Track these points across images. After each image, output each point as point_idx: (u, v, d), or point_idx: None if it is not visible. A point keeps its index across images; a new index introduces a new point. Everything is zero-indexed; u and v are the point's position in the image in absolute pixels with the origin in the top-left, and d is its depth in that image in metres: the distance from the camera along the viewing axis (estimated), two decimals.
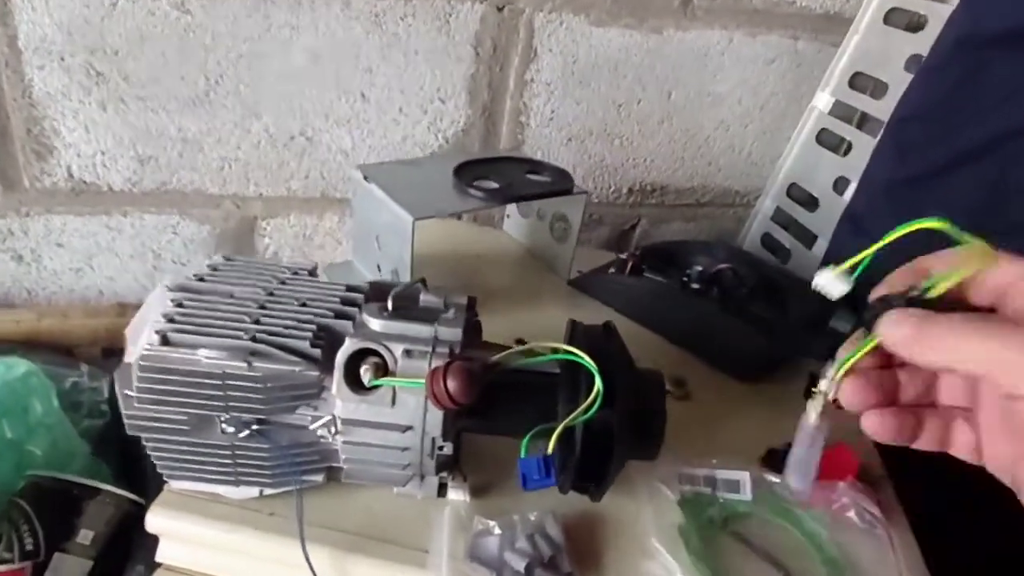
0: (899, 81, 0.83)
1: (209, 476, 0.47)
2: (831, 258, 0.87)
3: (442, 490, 0.49)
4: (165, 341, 0.42)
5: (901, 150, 0.78)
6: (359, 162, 0.91)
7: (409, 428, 0.45)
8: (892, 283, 0.34)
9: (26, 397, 0.74)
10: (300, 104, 0.85)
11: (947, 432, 0.35)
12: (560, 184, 0.74)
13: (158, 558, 0.49)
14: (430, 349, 0.45)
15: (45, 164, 0.81)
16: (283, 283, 0.49)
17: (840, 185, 0.93)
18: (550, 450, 0.41)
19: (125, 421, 0.44)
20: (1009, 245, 0.73)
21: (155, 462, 0.46)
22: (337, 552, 0.46)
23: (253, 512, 0.48)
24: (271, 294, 0.47)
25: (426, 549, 0.47)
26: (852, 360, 0.34)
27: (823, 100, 0.97)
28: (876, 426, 0.34)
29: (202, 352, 0.42)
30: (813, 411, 0.37)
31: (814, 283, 0.34)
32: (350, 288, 0.50)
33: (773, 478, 0.55)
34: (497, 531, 0.48)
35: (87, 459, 0.75)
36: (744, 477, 0.54)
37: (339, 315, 0.47)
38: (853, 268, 0.34)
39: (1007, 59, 0.67)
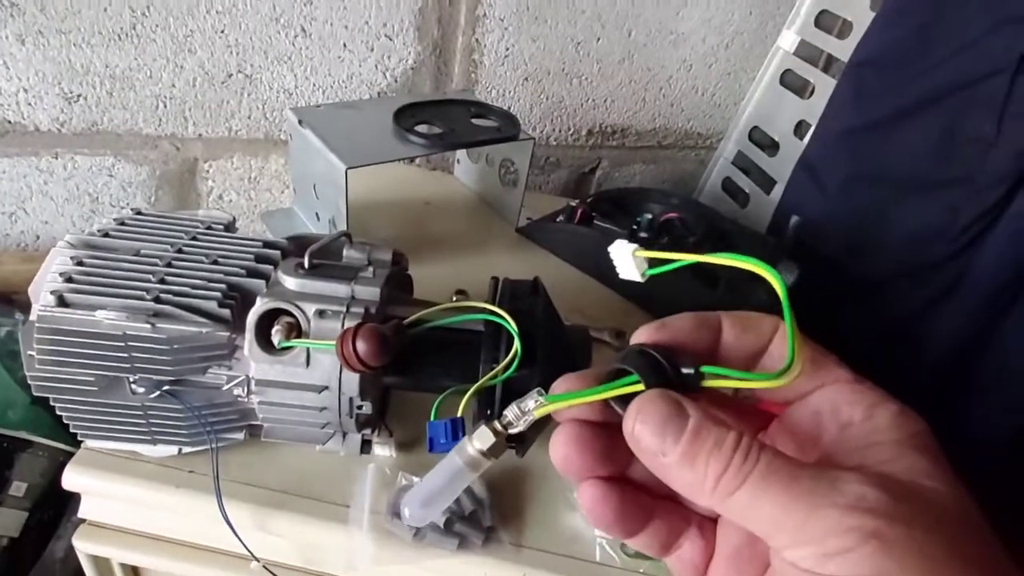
0: (864, 20, 0.79)
1: (124, 435, 0.46)
2: (786, 206, 0.86)
3: (366, 447, 0.49)
4: (62, 302, 0.41)
5: (858, 96, 0.76)
6: (304, 102, 0.87)
7: (325, 388, 0.44)
8: (673, 332, 0.26)
9: None
10: (236, 39, 0.80)
11: (674, 536, 0.27)
12: (506, 130, 0.72)
13: (80, 514, 0.49)
14: (344, 309, 0.43)
15: None
16: (195, 239, 0.47)
17: (801, 129, 0.91)
18: (459, 412, 0.40)
19: (31, 382, 0.43)
20: (952, 198, 0.73)
21: (66, 422, 0.45)
22: (258, 508, 0.46)
23: (173, 470, 0.47)
24: (180, 251, 0.45)
25: (349, 504, 0.47)
26: (567, 401, 0.26)
27: (788, 40, 0.94)
28: (594, 502, 0.26)
29: (101, 313, 0.40)
30: (472, 445, 0.29)
31: (609, 248, 0.28)
32: (267, 244, 0.48)
33: None
34: None
35: (27, 409, 0.74)
36: None
37: (252, 273, 0.45)
38: (653, 263, 0.27)
39: (963, 8, 0.65)
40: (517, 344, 0.43)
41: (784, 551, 0.21)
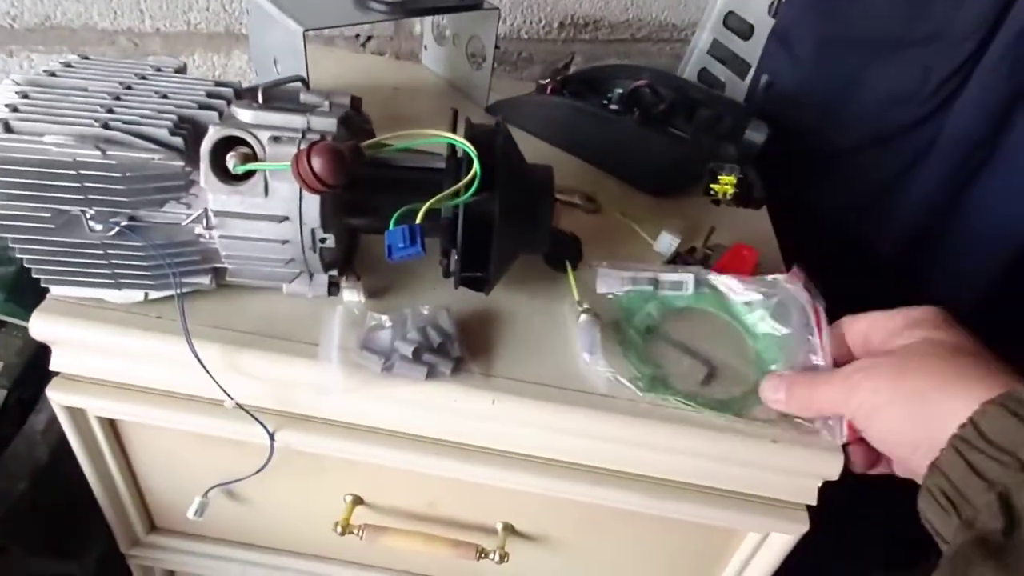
0: None
1: (86, 279, 0.46)
2: (759, 76, 0.85)
3: (333, 289, 0.49)
4: (7, 128, 0.40)
5: None
6: None
7: (285, 219, 0.44)
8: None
9: None
10: None
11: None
12: None
13: (52, 367, 0.49)
14: (300, 136, 0.43)
15: None
16: (144, 79, 0.46)
17: (776, 7, 0.90)
18: (418, 219, 0.40)
19: None
20: (924, 56, 0.72)
21: (27, 266, 0.45)
22: (227, 348, 0.46)
23: (139, 316, 0.47)
24: (129, 88, 0.44)
25: (318, 343, 0.47)
26: None
27: None
28: (861, 458, 0.45)
29: (49, 140, 0.40)
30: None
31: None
32: (220, 83, 0.47)
33: (711, 276, 0.54)
34: (388, 324, 0.48)
35: (1, 306, 0.74)
36: (688, 278, 0.53)
37: (204, 107, 0.44)
38: None
39: None
40: (476, 165, 0.43)
41: (848, 416, 0.43)
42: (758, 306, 0.52)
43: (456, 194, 0.44)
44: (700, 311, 0.54)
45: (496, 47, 0.73)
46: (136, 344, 0.47)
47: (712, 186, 0.57)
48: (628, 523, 0.53)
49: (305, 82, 0.50)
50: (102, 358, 0.48)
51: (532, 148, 0.74)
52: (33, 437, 0.59)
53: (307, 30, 0.60)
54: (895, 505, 0.87)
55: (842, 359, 0.45)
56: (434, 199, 0.41)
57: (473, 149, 0.43)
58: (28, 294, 0.76)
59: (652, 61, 1.08)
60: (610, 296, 0.53)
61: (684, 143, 0.68)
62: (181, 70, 0.48)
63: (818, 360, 0.47)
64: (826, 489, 0.48)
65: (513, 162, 0.47)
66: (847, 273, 0.80)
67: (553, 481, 0.49)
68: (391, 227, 0.40)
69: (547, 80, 0.78)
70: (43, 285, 0.46)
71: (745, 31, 0.96)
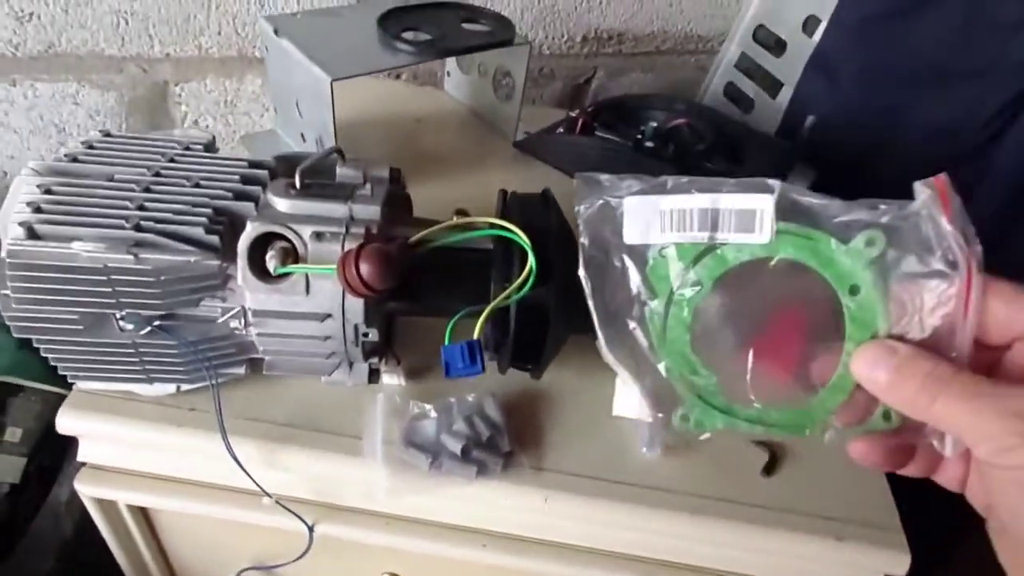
0: None
1: (116, 375, 0.43)
2: (797, 107, 0.82)
3: (374, 376, 0.47)
4: (32, 234, 0.37)
5: None
6: (277, 10, 0.80)
7: (328, 316, 0.41)
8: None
9: None
10: None
11: (936, 462, 0.31)
12: (500, 33, 0.66)
13: (80, 458, 0.47)
14: (343, 230, 0.40)
15: None
16: (172, 161, 0.43)
17: (810, 25, 0.86)
18: (476, 334, 0.38)
19: (9, 324, 0.40)
20: (975, 89, 0.69)
21: (53, 364, 0.42)
22: (264, 443, 0.44)
23: (172, 408, 0.45)
24: (158, 174, 0.41)
25: (360, 436, 0.45)
26: None
27: None
28: (863, 452, 0.31)
29: (77, 245, 0.37)
30: None
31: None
32: (252, 164, 0.44)
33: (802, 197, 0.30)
34: (433, 414, 0.46)
35: (14, 353, 0.71)
36: (766, 204, 0.30)
37: (239, 196, 0.41)
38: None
39: None
40: (532, 259, 0.41)
41: (973, 448, 0.27)
42: (869, 235, 0.29)
43: (512, 290, 0.41)
44: (778, 264, 0.30)
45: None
46: (170, 439, 0.44)
47: None
48: None
49: (342, 154, 0.47)
50: (133, 451, 0.46)
51: (566, 188, 0.71)
52: (58, 509, 0.57)
53: (336, 79, 0.56)
54: (918, 506, 0.86)
55: None
56: (491, 307, 0.39)
57: (530, 244, 0.41)
58: None
59: (677, 74, 1.05)
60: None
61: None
62: (210, 147, 0.45)
63: (957, 334, 0.28)
64: None
65: (567, 248, 0.44)
66: None
67: (606, 574, 0.47)
68: (447, 342, 0.37)
69: (576, 112, 0.74)
70: (69, 381, 0.44)
71: (776, 46, 0.92)
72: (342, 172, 0.45)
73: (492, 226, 0.42)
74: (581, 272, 0.34)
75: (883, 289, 0.30)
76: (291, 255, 0.40)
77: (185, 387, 0.45)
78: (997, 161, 0.71)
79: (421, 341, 0.50)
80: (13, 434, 0.58)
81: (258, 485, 0.44)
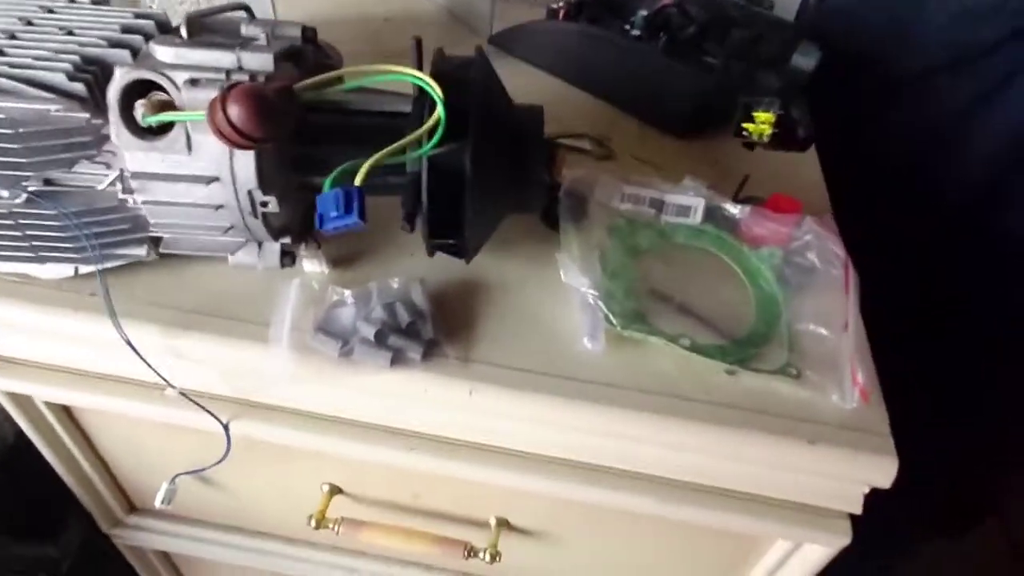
0: None
1: (3, 253, 0.40)
2: None
3: (287, 259, 0.42)
4: None
5: None
6: None
7: (215, 180, 0.37)
8: None
9: None
10: None
11: None
12: None
13: None
14: (223, 78, 0.35)
15: None
16: (51, 12, 0.39)
17: None
18: (357, 181, 0.32)
19: None
20: None
21: None
22: (167, 330, 0.40)
23: (70, 293, 0.41)
24: (29, 23, 0.37)
25: (268, 323, 0.41)
26: None
27: None
28: None
29: None
30: None
31: None
32: (140, 15, 0.39)
33: (730, 208, 0.47)
34: (351, 300, 0.41)
35: None
36: (698, 203, 0.47)
37: (115, 44, 0.37)
38: None
39: None
40: (440, 108, 0.35)
41: None
42: (771, 250, 0.46)
43: (418, 144, 0.36)
44: (701, 249, 0.47)
45: None
46: (66, 325, 0.41)
47: (745, 125, 0.47)
48: (637, 524, 0.46)
49: (248, 10, 0.42)
50: (35, 340, 0.43)
51: (540, 84, 0.65)
52: None
53: None
54: (952, 469, 0.78)
55: None
56: (384, 152, 0.33)
57: (437, 87, 0.35)
58: None
59: None
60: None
61: (713, 72, 0.57)
62: (100, 0, 0.41)
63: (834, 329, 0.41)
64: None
65: (492, 103, 0.39)
66: (913, 217, 0.70)
67: (546, 480, 0.42)
68: (325, 189, 0.32)
69: (560, 3, 0.67)
70: None
71: None
72: (247, 30, 0.40)
73: (397, 73, 0.36)
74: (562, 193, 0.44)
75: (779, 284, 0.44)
76: (168, 107, 0.35)
77: (83, 269, 0.41)
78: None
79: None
80: None
81: (157, 373, 0.40)
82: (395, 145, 0.34)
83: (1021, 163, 0.65)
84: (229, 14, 0.41)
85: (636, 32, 0.63)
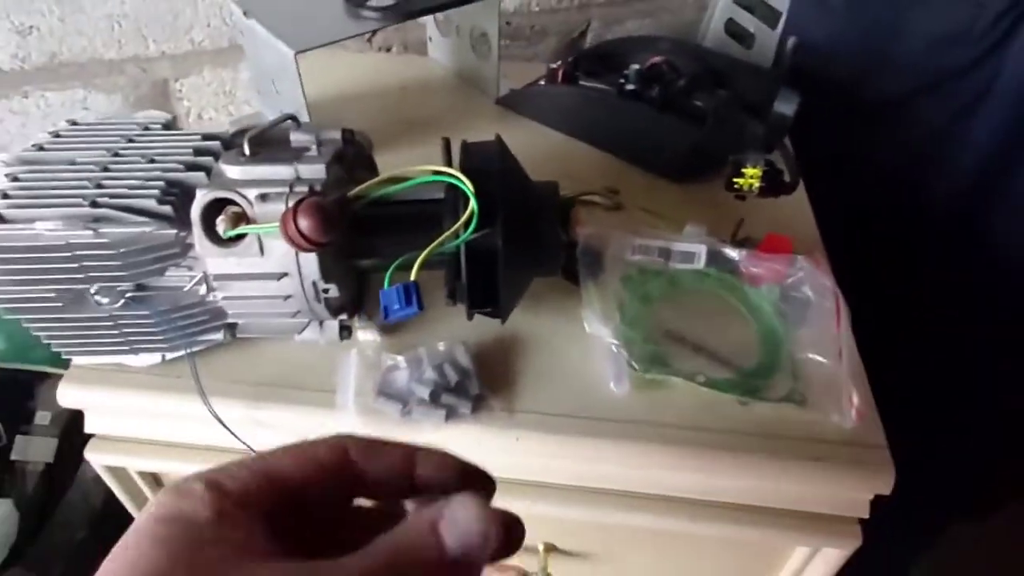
0: None
1: (103, 348, 0.46)
2: (789, 31, 0.78)
3: (344, 333, 0.48)
4: (0, 219, 0.40)
5: None
6: None
7: (284, 275, 0.43)
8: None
9: None
10: None
11: None
12: None
13: (87, 429, 0.50)
14: (287, 190, 0.41)
15: None
16: (131, 141, 0.45)
17: None
18: (412, 276, 0.38)
19: None
20: None
21: (45, 341, 0.45)
22: (246, 403, 0.46)
23: (159, 377, 0.47)
24: (116, 155, 0.44)
25: (334, 390, 0.47)
26: None
27: None
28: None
29: (40, 225, 0.39)
30: None
31: None
32: (206, 137, 0.45)
33: (730, 251, 0.53)
34: (404, 365, 0.47)
35: (46, 347, 0.76)
36: (701, 249, 0.53)
37: (192, 167, 0.43)
38: None
39: None
40: (473, 201, 0.41)
41: None
42: (769, 287, 0.51)
43: (456, 235, 0.41)
44: (707, 291, 0.53)
45: (507, 23, 0.69)
46: (160, 405, 0.47)
47: (736, 180, 0.53)
48: (672, 541, 0.52)
49: (296, 120, 0.48)
50: (131, 419, 0.49)
51: (548, 140, 0.71)
52: (87, 485, 0.61)
53: (298, 52, 0.57)
54: (976, 451, 0.82)
55: None
56: (429, 249, 0.39)
57: (469, 185, 0.41)
58: None
59: (676, 17, 1.01)
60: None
61: (703, 125, 0.63)
62: (170, 125, 0.47)
63: (830, 356, 0.46)
64: (903, 434, 0.46)
65: (514, 189, 0.45)
66: (896, 233, 0.75)
67: (587, 509, 0.48)
68: (385, 286, 0.38)
69: (558, 63, 0.73)
70: (63, 357, 0.47)
71: None
72: (295, 138, 0.46)
73: (430, 173, 0.42)
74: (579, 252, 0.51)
75: (779, 319, 0.50)
76: (242, 219, 0.41)
77: (169, 356, 0.47)
78: (1006, 67, 0.66)
79: None
80: (43, 417, 0.63)
81: (243, 442, 0.46)
82: (440, 239, 0.40)
83: (998, 172, 0.71)
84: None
85: (631, 86, 0.69)
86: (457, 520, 0.20)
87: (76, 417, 0.65)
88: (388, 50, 0.91)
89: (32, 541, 0.58)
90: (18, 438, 0.62)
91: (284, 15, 0.62)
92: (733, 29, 0.95)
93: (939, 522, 0.96)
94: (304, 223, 0.38)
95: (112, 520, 0.60)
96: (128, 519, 0.58)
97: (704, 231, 0.55)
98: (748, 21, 0.92)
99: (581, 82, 0.72)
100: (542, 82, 0.73)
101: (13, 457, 0.61)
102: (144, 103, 0.86)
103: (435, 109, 0.75)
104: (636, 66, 0.70)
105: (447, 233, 0.40)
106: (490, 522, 0.20)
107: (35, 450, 0.62)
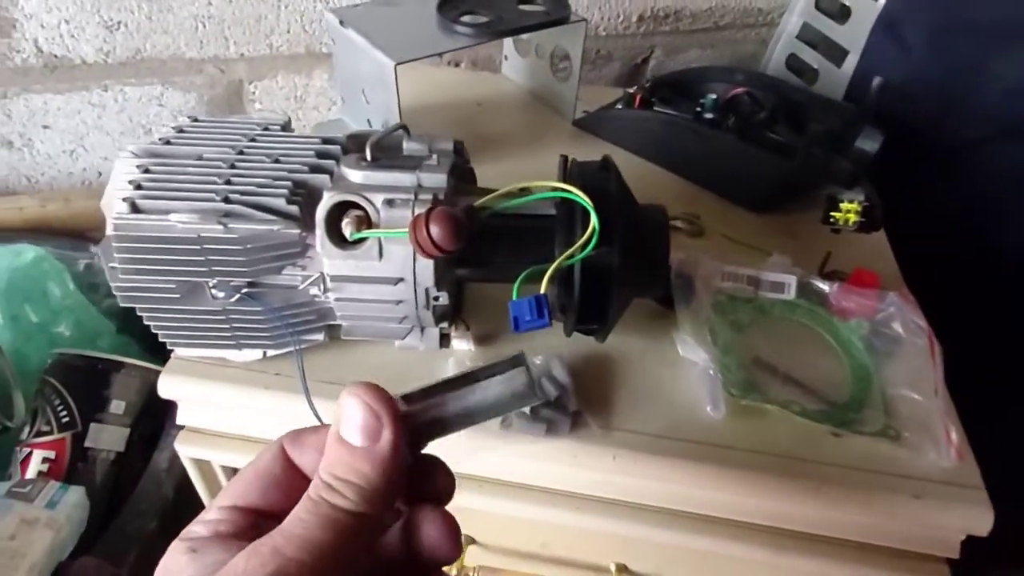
0: None
1: (210, 341, 0.47)
2: (863, 71, 0.80)
3: (444, 341, 0.49)
4: (135, 208, 0.41)
5: None
6: (340, 6, 0.83)
7: (400, 280, 0.43)
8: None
9: (42, 281, 0.75)
10: None
11: None
12: (555, 13, 0.67)
13: (179, 421, 0.51)
14: (412, 197, 0.42)
15: (10, 39, 0.77)
16: (253, 140, 0.46)
17: None
18: (543, 289, 0.39)
19: (116, 293, 0.44)
20: None
21: (154, 331, 0.46)
22: None
23: (259, 373, 0.48)
24: (241, 152, 0.44)
25: None
26: None
27: None
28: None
29: (174, 217, 0.40)
30: None
31: None
32: (326, 140, 0.46)
33: (819, 283, 0.54)
34: None
35: (113, 337, 0.77)
36: (791, 280, 0.54)
37: (315, 169, 0.44)
38: None
39: None
40: (595, 219, 0.42)
41: None
42: (859, 321, 0.52)
43: (580, 249, 0.42)
44: (796, 322, 0.53)
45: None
46: (258, 401, 0.48)
47: (833, 214, 0.54)
48: (747, 570, 0.52)
49: (407, 130, 0.49)
50: (226, 413, 0.50)
51: (627, 164, 0.71)
52: (159, 476, 0.61)
53: (398, 63, 0.59)
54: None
55: None
56: (557, 263, 0.40)
57: (591, 203, 0.42)
58: (136, 326, 0.79)
59: (737, 49, 1.03)
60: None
61: (790, 158, 0.64)
62: (287, 126, 0.48)
63: (925, 393, 0.46)
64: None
65: (629, 210, 0.45)
66: (973, 279, 0.75)
67: (673, 532, 0.48)
68: (515, 297, 0.39)
69: (634, 89, 0.74)
70: (168, 348, 0.48)
71: (839, 13, 0.90)
72: (408, 146, 0.47)
73: (554, 189, 0.43)
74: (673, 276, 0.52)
75: (869, 353, 0.50)
76: (365, 222, 0.42)
77: (271, 353, 0.48)
78: None
79: (489, 309, 0.51)
80: (117, 407, 0.63)
81: None
82: (567, 253, 0.40)
83: None
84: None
85: (708, 115, 0.70)
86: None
87: (146, 408, 0.66)
88: (457, 65, 0.92)
89: (100, 531, 0.58)
90: (92, 426, 0.62)
91: (380, 28, 0.63)
92: (795, 64, 0.97)
93: None
94: (436, 230, 0.39)
95: (182, 511, 0.60)
96: (197, 510, 0.58)
97: (789, 261, 0.56)
98: (812, 57, 0.94)
99: (657, 108, 0.73)
100: (619, 105, 0.74)
101: (87, 444, 0.62)
102: (218, 102, 0.88)
103: (511, 126, 0.76)
104: (713, 96, 0.71)
105: (574, 247, 0.41)
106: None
107: (107, 439, 0.63)
